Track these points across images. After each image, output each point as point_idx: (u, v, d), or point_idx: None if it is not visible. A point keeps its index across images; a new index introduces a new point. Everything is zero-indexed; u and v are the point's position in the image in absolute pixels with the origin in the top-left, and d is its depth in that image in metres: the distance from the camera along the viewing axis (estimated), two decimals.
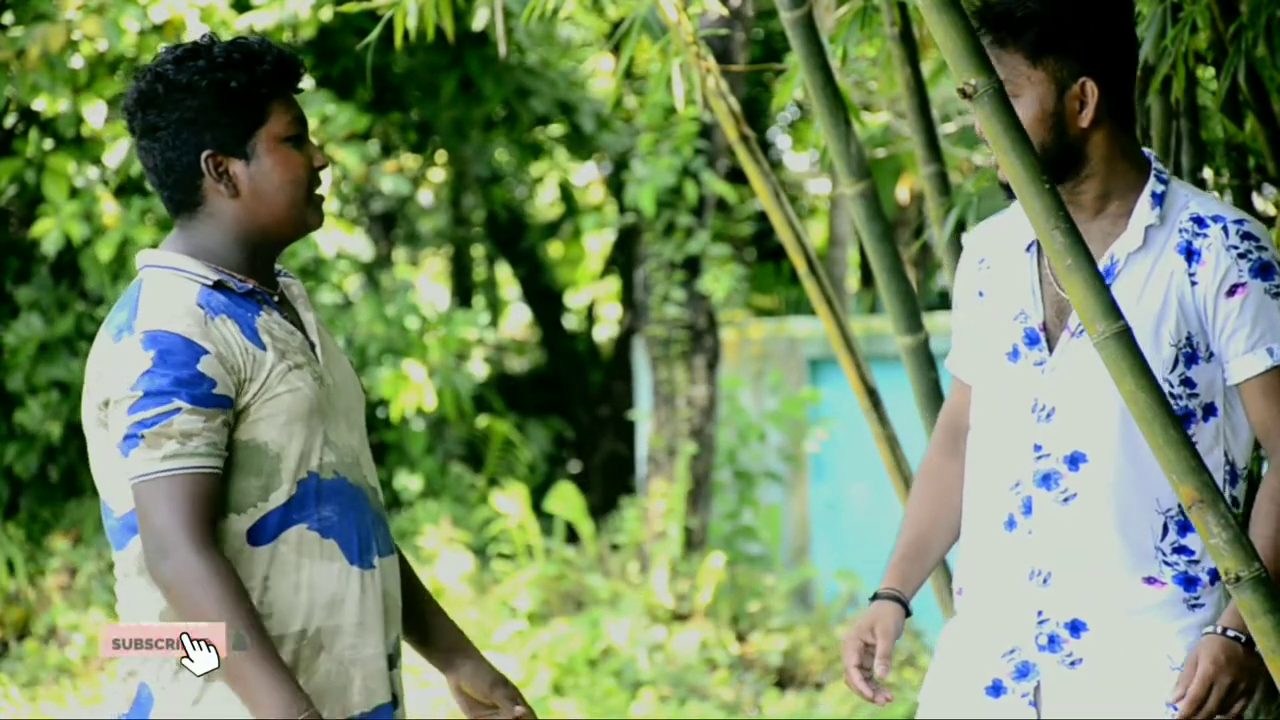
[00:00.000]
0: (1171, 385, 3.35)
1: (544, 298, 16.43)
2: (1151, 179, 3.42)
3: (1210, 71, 4.82)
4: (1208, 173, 4.91)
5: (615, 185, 14.84)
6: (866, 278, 17.29)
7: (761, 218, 13.78)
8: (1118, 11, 3.39)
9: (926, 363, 4.65)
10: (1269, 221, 4.81)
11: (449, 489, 13.24)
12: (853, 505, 13.32)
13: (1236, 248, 3.35)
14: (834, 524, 13.43)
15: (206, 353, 3.16)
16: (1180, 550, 3.37)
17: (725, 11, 10.34)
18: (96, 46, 10.07)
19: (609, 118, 13.44)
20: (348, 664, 3.26)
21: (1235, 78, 4.32)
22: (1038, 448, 3.43)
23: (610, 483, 14.76)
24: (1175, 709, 3.28)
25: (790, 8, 4.58)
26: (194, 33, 10.57)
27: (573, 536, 12.74)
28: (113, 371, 3.18)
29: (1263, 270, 3.34)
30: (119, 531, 3.25)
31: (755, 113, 14.62)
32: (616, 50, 11.03)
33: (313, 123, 11.06)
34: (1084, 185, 3.42)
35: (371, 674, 3.29)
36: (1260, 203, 5.03)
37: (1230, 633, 3.29)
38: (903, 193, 17.46)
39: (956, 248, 4.88)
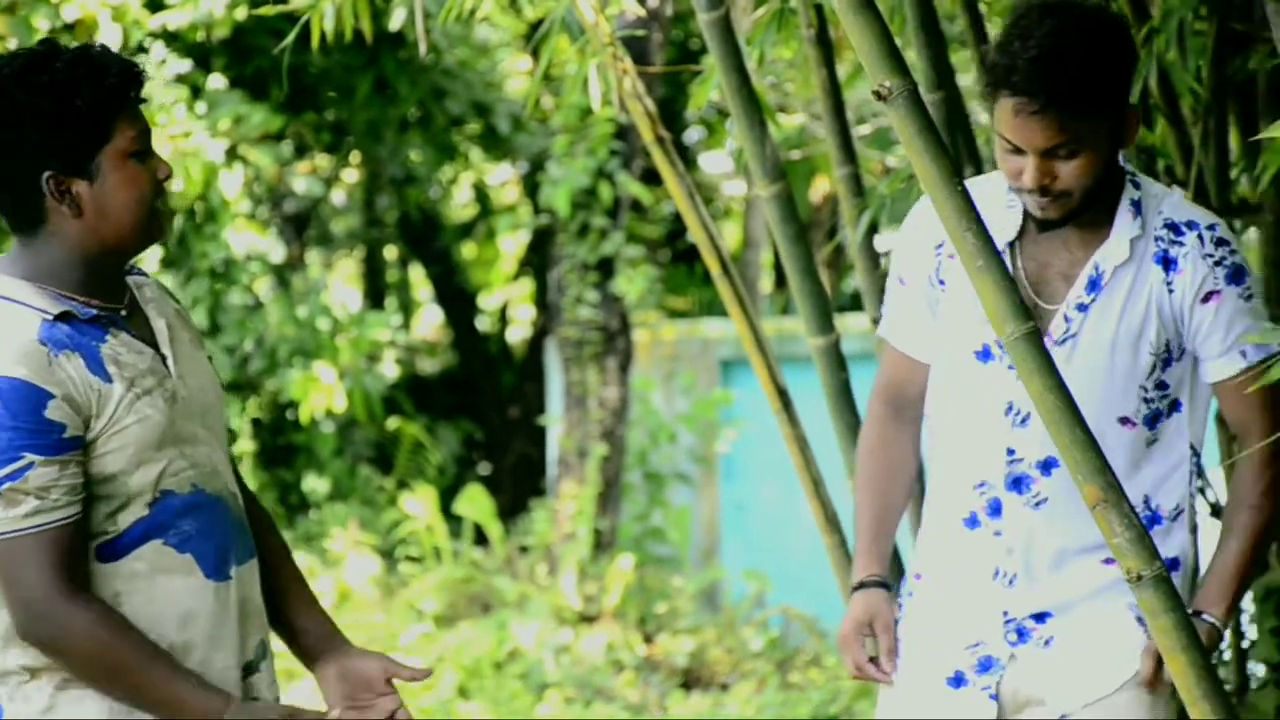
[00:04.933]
0: (1146, 390, 3.42)
1: (457, 299, 16.38)
2: (1128, 185, 3.47)
3: None
4: None
5: (530, 186, 14.82)
6: (780, 279, 17.36)
7: (676, 219, 13.81)
8: (1128, 43, 3.44)
9: (838, 364, 4.68)
10: None
11: (357, 491, 13.19)
12: (762, 506, 13.37)
13: (1212, 255, 3.41)
14: (743, 525, 13.47)
15: (52, 396, 3.05)
16: None
17: (642, 12, 10.37)
18: (7, 45, 9.98)
19: (525, 118, 13.43)
20: None
21: (1146, 81, 4.37)
22: (1010, 451, 3.46)
23: (520, 485, 14.74)
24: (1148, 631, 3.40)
25: (707, 9, 4.60)
26: (106, 32, 10.49)
27: (481, 539, 12.73)
28: None
29: (1235, 276, 3.41)
30: None
31: (671, 114, 14.64)
32: (533, 51, 11.03)
33: (225, 123, 11.00)
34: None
35: (223, 686, 3.25)
36: None
37: (1205, 615, 3.42)
38: (817, 195, 17.53)
39: (870, 249, 4.91)
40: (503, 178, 16.61)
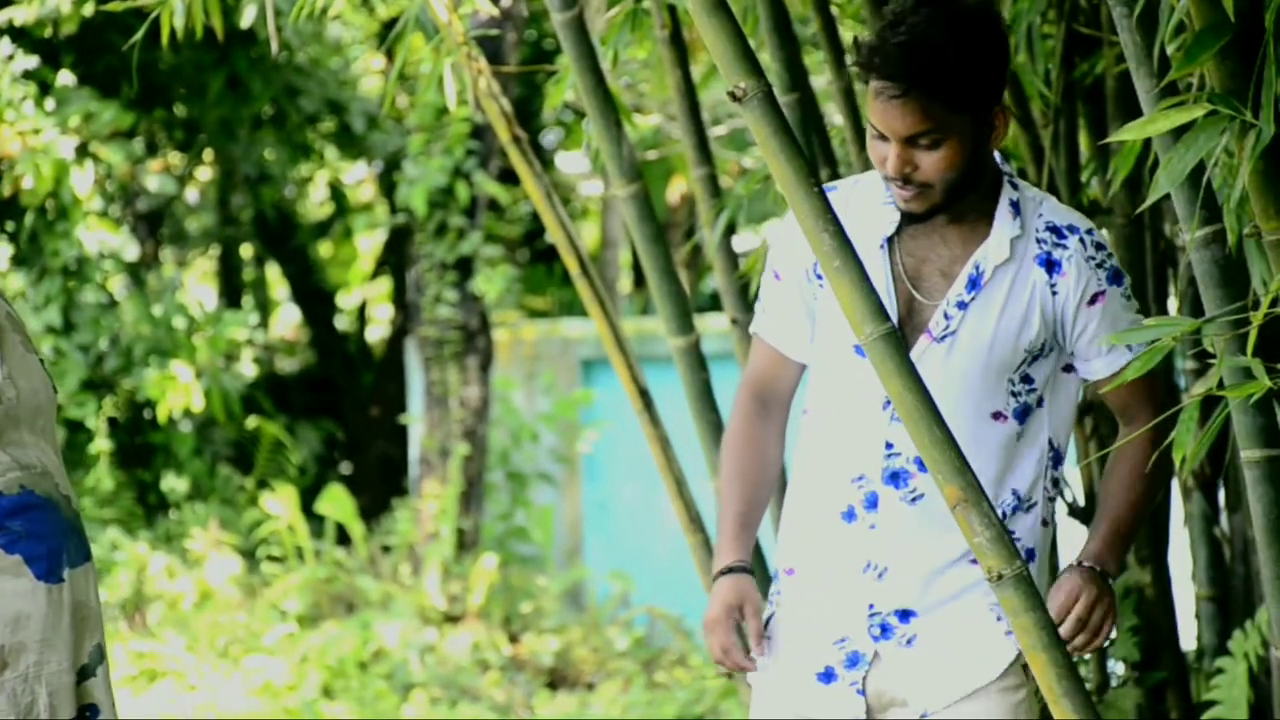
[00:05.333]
0: (1014, 384, 3.47)
1: (314, 298, 16.26)
2: (1006, 185, 3.49)
3: None
4: None
5: (386, 185, 14.74)
6: (639, 279, 17.37)
7: (534, 219, 13.80)
8: (997, 36, 3.43)
9: (698, 364, 4.68)
10: None
11: (217, 491, 13.06)
12: (624, 506, 13.38)
13: (1094, 258, 3.46)
14: (606, 524, 13.48)
15: None
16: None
17: (496, 12, 10.33)
18: None
19: (380, 117, 13.36)
20: (32, 680, 3.20)
21: None
22: (889, 445, 3.47)
23: (382, 484, 14.66)
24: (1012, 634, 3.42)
25: (561, 9, 4.58)
26: None
27: (344, 538, 12.65)
28: None
29: (1116, 277, 3.48)
30: None
31: (527, 114, 14.61)
32: (388, 50, 10.98)
33: (75, 120, 10.86)
34: (970, 196, 3.48)
35: (56, 689, 3.22)
36: None
37: (1087, 564, 3.45)
38: (674, 195, 17.56)
39: (728, 249, 4.92)
40: (358, 176, 16.51)
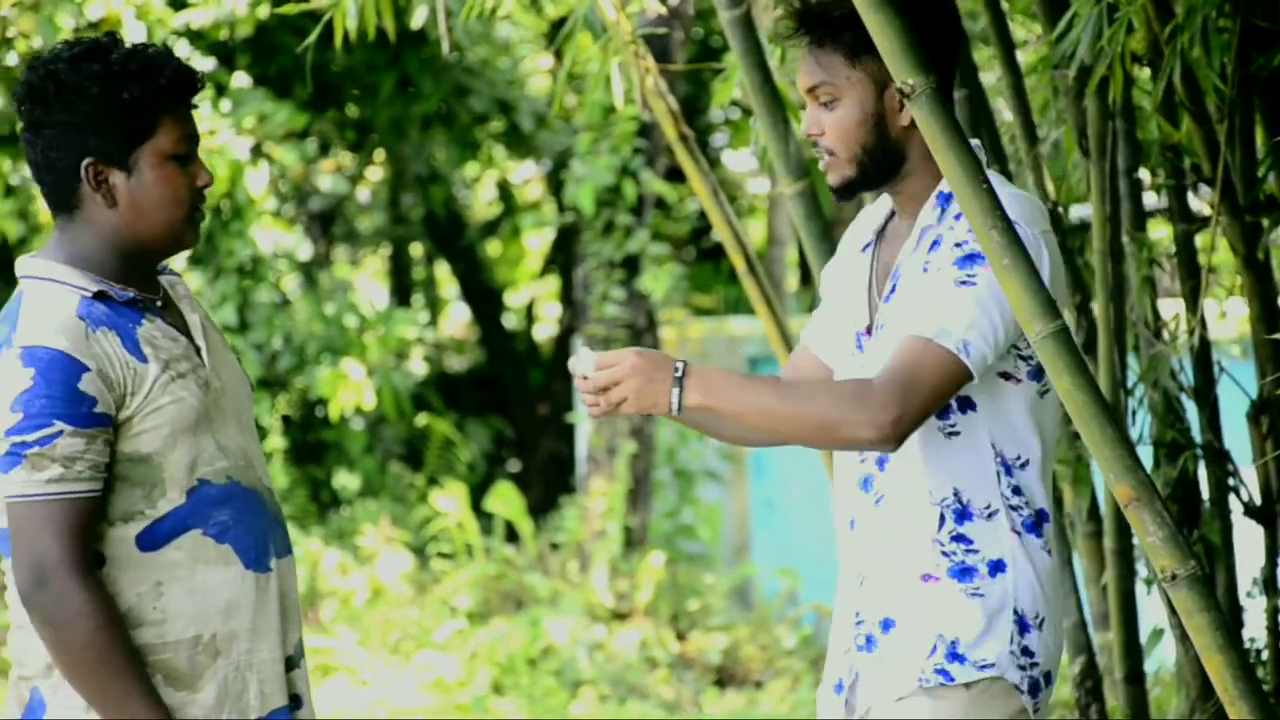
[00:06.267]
0: None
1: (483, 296, 16.38)
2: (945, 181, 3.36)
3: (1146, 72, 4.85)
4: (1144, 173, 4.93)
5: (554, 184, 14.81)
6: (805, 276, 17.32)
7: (700, 217, 13.80)
8: (933, 8, 3.35)
9: None
10: (1204, 221, 4.84)
11: (388, 488, 13.20)
12: (792, 503, 13.34)
13: (965, 240, 3.28)
14: (773, 522, 13.44)
15: (87, 369, 3.12)
16: (958, 539, 3.33)
17: (664, 10, 10.34)
18: (31, 43, 10.00)
19: (548, 116, 13.43)
20: (243, 669, 3.26)
21: (1171, 78, 4.34)
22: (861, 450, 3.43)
23: (550, 482, 14.74)
24: (924, 682, 3.29)
25: (729, 7, 4.58)
26: (130, 30, 10.51)
27: (512, 536, 12.73)
28: None
29: (970, 259, 3.26)
30: (5, 542, 3.21)
31: (694, 112, 14.62)
32: (556, 50, 11.04)
33: (250, 121, 11.02)
34: (903, 184, 3.40)
35: (267, 678, 3.29)
36: (1195, 203, 5.06)
37: (684, 369, 3.23)
38: None
39: None
40: (526, 175, 16.60)
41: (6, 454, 3.10)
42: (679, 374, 3.23)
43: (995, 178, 3.32)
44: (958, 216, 3.32)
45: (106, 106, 3.17)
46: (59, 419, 3.09)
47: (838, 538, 3.51)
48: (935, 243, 3.34)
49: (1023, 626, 3.32)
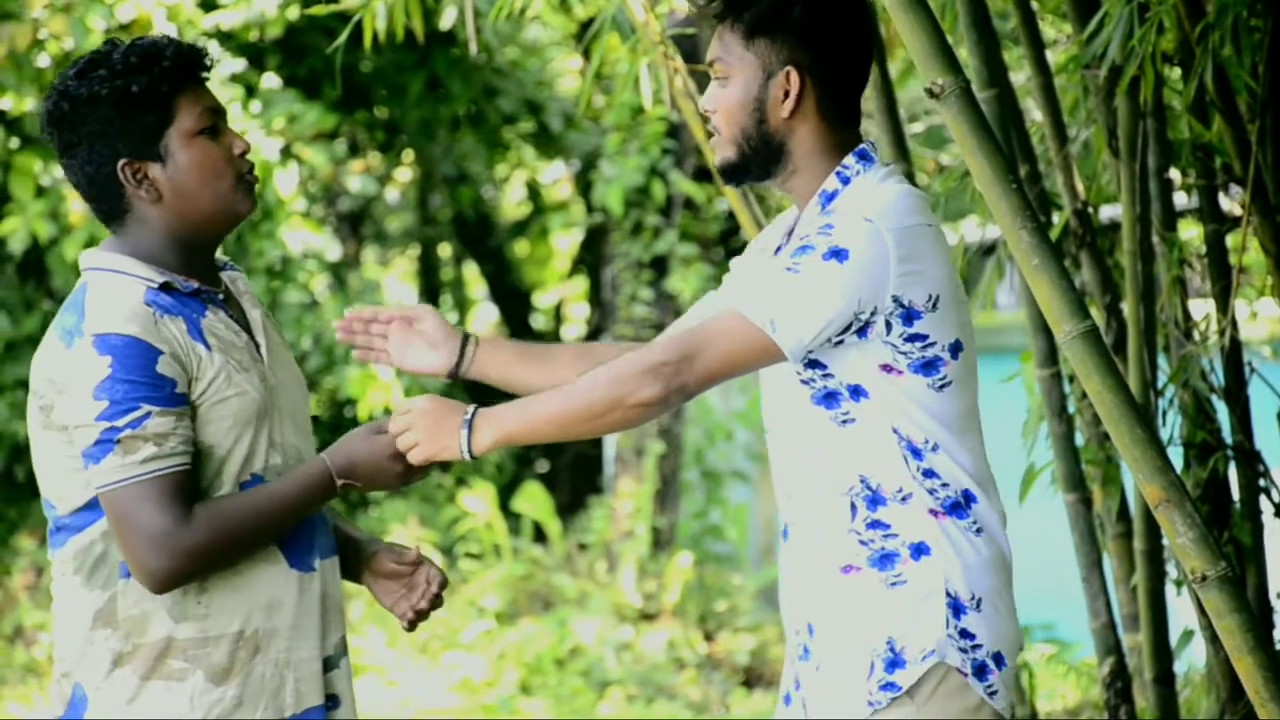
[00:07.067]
0: (800, 371, 3.27)
1: (511, 297, 16.39)
2: (831, 177, 3.32)
3: (1177, 72, 4.84)
4: (1174, 172, 4.92)
5: (583, 184, 14.82)
6: None
7: (729, 217, 13.78)
8: (841, 5, 3.31)
9: None
10: (1235, 221, 4.83)
11: (416, 488, 13.22)
12: None
13: (813, 227, 3.24)
14: None
15: (161, 353, 3.15)
16: (875, 525, 3.28)
17: (693, 11, 10.36)
18: (63, 45, 10.03)
19: (576, 117, 13.44)
20: (282, 666, 3.27)
21: (1202, 78, 4.33)
22: (779, 454, 3.42)
23: (578, 482, 14.75)
24: (875, 705, 3.24)
25: None
26: (160, 31, 10.54)
27: (540, 536, 12.74)
28: (67, 377, 3.15)
29: (805, 247, 3.21)
30: (58, 532, 3.24)
31: None
32: (585, 50, 11.05)
33: (279, 122, 11.04)
34: (792, 181, 3.35)
35: (305, 677, 3.29)
36: (1226, 203, 5.04)
37: (474, 413, 3.28)
38: None
39: None
40: (555, 176, 16.61)
41: (96, 442, 3.12)
42: (468, 417, 3.28)
43: (881, 171, 3.30)
44: (828, 214, 3.27)
45: (121, 105, 3.21)
46: (145, 401, 3.11)
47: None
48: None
49: (957, 609, 3.25)
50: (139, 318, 3.16)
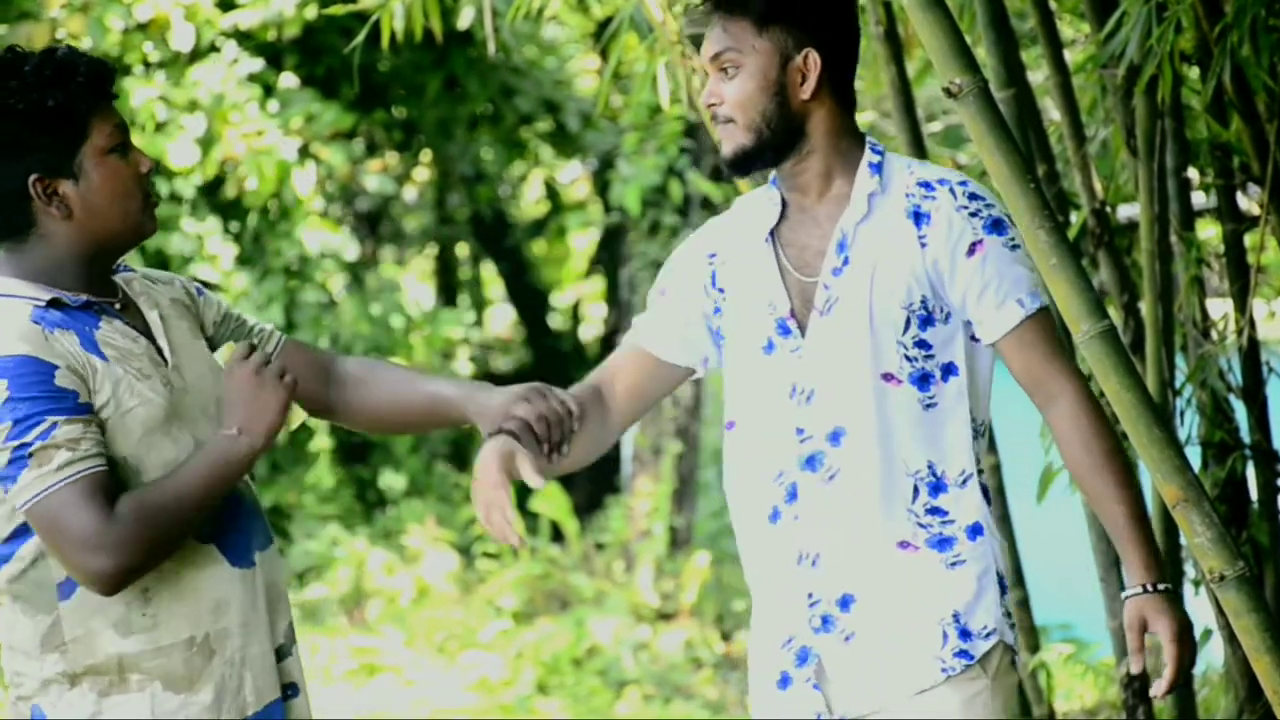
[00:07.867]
0: (905, 348, 3.30)
1: (529, 296, 16.40)
2: (868, 151, 3.38)
3: (1195, 71, 4.83)
4: (1193, 172, 4.92)
5: (600, 184, 14.83)
6: None
7: None
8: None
9: None
10: (1253, 221, 4.83)
11: (434, 488, 13.23)
12: None
13: (966, 207, 3.30)
14: None
15: (56, 367, 3.08)
16: (933, 511, 3.32)
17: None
18: (81, 45, 10.05)
19: (594, 116, 13.44)
20: (239, 665, 3.24)
21: (1220, 77, 4.33)
22: (800, 431, 3.39)
23: (595, 482, 14.74)
24: (949, 671, 3.28)
25: None
26: (179, 31, 10.56)
27: (558, 535, 12.74)
28: None
29: (995, 225, 3.28)
30: None
31: None
32: (602, 50, 11.06)
33: (297, 122, 11.05)
34: (806, 163, 3.37)
35: (259, 672, 3.26)
36: (1244, 202, 5.04)
37: (1161, 586, 3.26)
38: None
39: None
40: (573, 175, 16.62)
41: (9, 462, 3.06)
42: (1164, 587, 3.28)
43: (907, 158, 3.39)
44: (925, 185, 3.33)
45: (37, 119, 3.12)
46: (49, 414, 3.05)
47: (749, 534, 3.47)
48: (924, 217, 3.32)
49: (1003, 589, 3.34)
50: (28, 336, 3.09)
